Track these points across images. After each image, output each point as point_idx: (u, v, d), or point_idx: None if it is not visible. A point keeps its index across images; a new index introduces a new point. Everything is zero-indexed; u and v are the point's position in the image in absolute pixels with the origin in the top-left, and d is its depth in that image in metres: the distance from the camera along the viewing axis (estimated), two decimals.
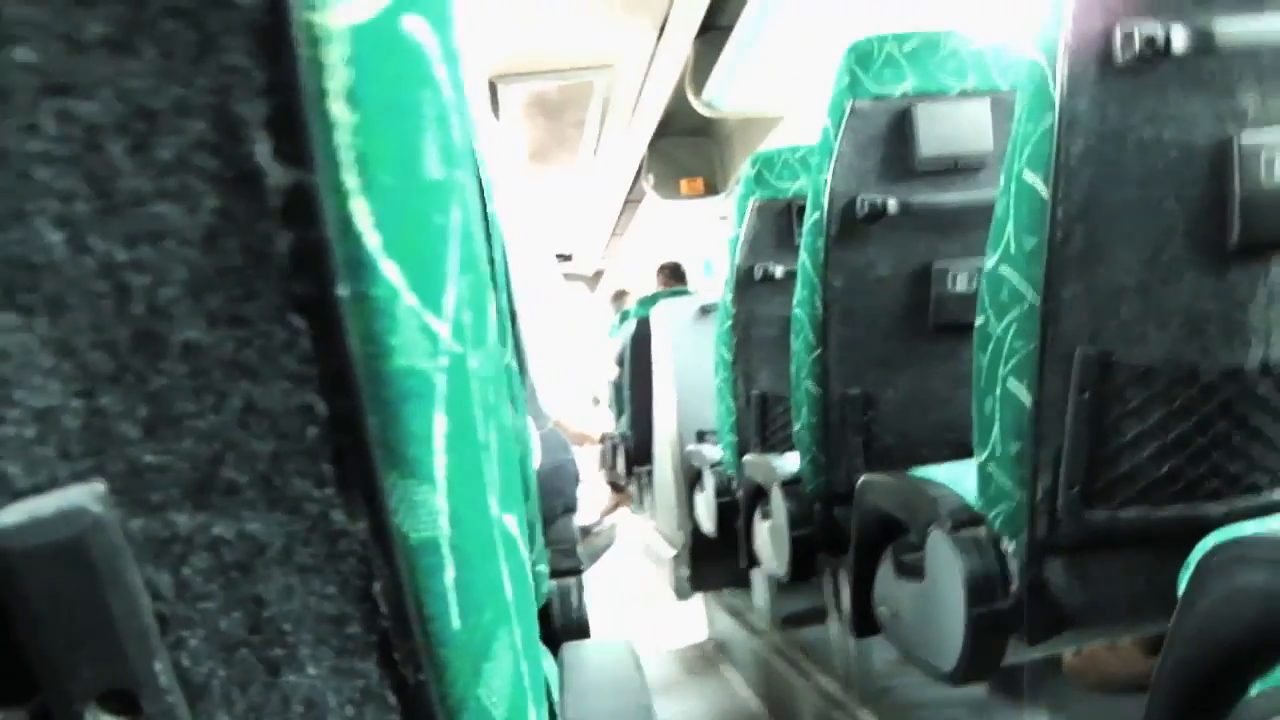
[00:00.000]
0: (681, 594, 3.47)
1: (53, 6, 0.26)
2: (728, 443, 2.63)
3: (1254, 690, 0.74)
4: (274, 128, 0.28)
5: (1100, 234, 1.10)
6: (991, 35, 1.75)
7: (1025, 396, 1.15)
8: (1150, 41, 1.02)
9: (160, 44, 0.27)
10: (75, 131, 0.27)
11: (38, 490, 0.29)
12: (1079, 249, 1.10)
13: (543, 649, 0.67)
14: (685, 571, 3.38)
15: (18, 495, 0.29)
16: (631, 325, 4.54)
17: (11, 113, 0.27)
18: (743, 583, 2.97)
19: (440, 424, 0.31)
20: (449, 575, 0.32)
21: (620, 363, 4.88)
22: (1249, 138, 1.06)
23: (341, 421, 0.30)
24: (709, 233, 6.06)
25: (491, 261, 0.83)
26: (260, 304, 0.29)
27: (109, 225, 0.28)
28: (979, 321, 1.20)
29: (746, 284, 2.48)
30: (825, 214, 1.73)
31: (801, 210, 1.97)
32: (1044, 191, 1.08)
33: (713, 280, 6.20)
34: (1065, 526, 1.17)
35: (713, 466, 2.79)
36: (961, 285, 1.74)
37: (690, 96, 4.09)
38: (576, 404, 1.99)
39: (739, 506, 2.44)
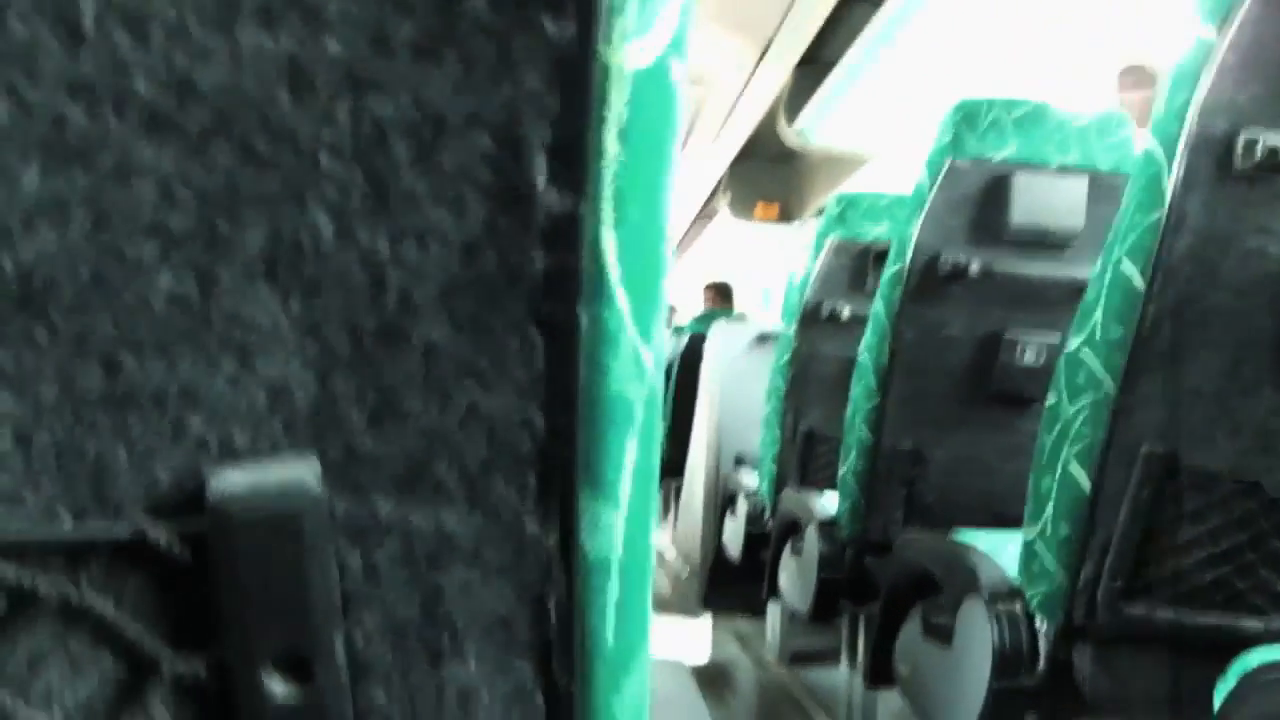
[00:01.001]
0: (689, 611, 3.48)
1: (368, 6, 0.28)
2: (767, 472, 2.63)
3: None
4: (556, 154, 0.29)
5: (1188, 334, 1.10)
6: (1098, 113, 1.75)
7: (1085, 482, 1.15)
8: (1272, 152, 1.02)
9: (463, 57, 0.28)
10: (366, 128, 0.28)
11: (258, 457, 0.30)
12: (1164, 346, 1.10)
13: None
14: (701, 590, 3.38)
15: (240, 460, 0.30)
16: (684, 340, 4.55)
17: (313, 101, 0.28)
18: (756, 611, 2.97)
19: (633, 450, 0.32)
20: (614, 594, 0.33)
21: (665, 376, 4.88)
22: None
23: (556, 438, 0.31)
24: (769, 259, 6.06)
25: None
26: (505, 316, 0.30)
27: (379, 220, 0.29)
28: (1050, 400, 1.21)
29: (812, 319, 2.48)
30: (908, 265, 1.73)
31: (878, 256, 1.97)
32: (1139, 283, 1.08)
33: (769, 311, 6.18)
34: (1102, 615, 1.17)
35: (748, 493, 2.79)
36: (1029, 358, 1.74)
37: (781, 124, 4.10)
38: None
39: (768, 536, 2.44)
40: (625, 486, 0.32)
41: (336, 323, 0.30)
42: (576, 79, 0.29)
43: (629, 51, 0.29)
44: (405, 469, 0.31)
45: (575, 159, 0.29)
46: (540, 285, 0.30)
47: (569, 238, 0.30)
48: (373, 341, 0.30)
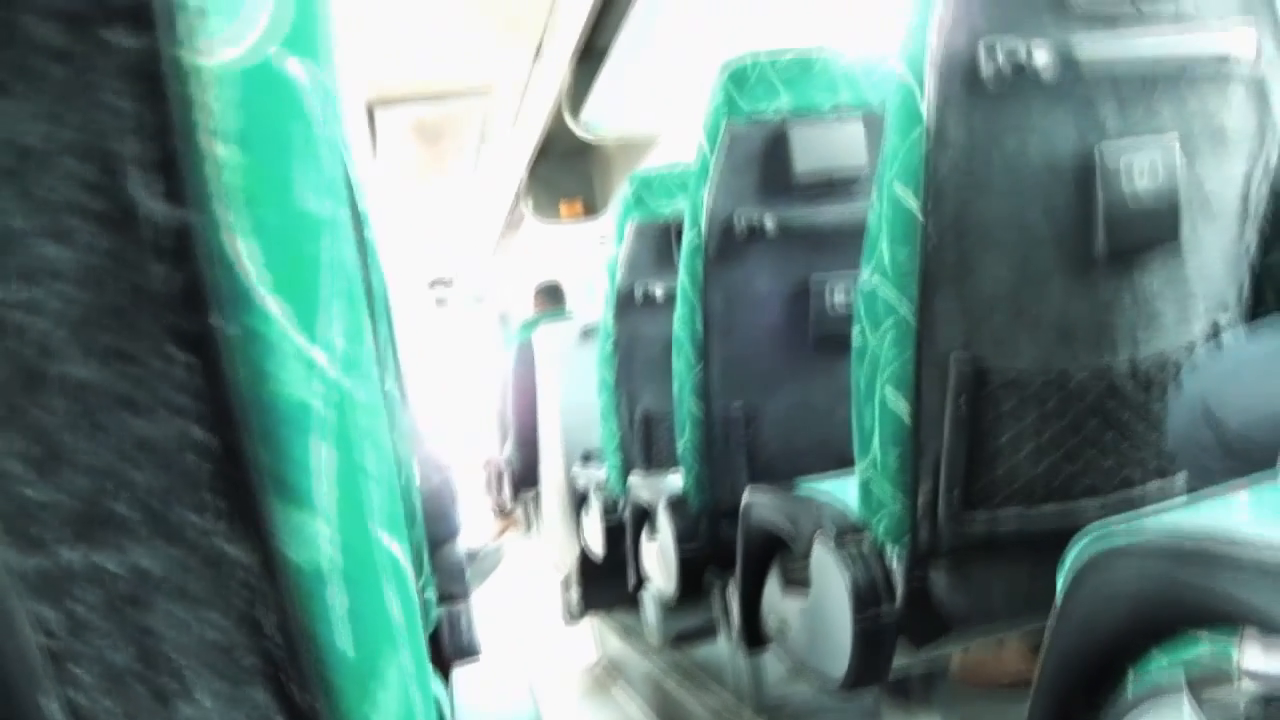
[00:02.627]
0: (572, 616, 3.46)
1: None
2: (613, 464, 2.62)
3: (1129, 680, 0.77)
4: (152, 166, 0.28)
5: (970, 245, 1.12)
6: (863, 52, 1.78)
7: (902, 406, 1.17)
8: (1013, 58, 1.05)
9: (39, 85, 0.27)
10: None
11: None
12: (950, 260, 1.12)
13: (433, 673, 0.67)
14: (575, 594, 3.37)
15: None
16: (514, 349, 4.53)
17: None
18: (633, 603, 2.97)
19: (322, 451, 0.31)
20: (336, 601, 0.32)
21: (505, 387, 4.86)
22: (1110, 150, 1.10)
23: (225, 453, 0.30)
24: (592, 254, 6.07)
25: (370, 289, 0.83)
26: (143, 340, 0.29)
27: None
28: (855, 334, 1.22)
29: (627, 305, 2.48)
30: (703, 233, 1.74)
31: (680, 230, 1.98)
32: (914, 205, 1.11)
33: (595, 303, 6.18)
34: (946, 531, 1.20)
35: (598, 488, 2.78)
36: (839, 299, 1.76)
37: (568, 119, 4.09)
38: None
39: (626, 527, 2.44)
40: (322, 489, 0.31)
41: None
42: (156, 88, 0.27)
43: (211, 51, 0.28)
44: (81, 513, 0.30)
45: (175, 169, 0.28)
46: (171, 303, 0.29)
47: (187, 250, 0.29)
48: (14, 389, 0.28)
